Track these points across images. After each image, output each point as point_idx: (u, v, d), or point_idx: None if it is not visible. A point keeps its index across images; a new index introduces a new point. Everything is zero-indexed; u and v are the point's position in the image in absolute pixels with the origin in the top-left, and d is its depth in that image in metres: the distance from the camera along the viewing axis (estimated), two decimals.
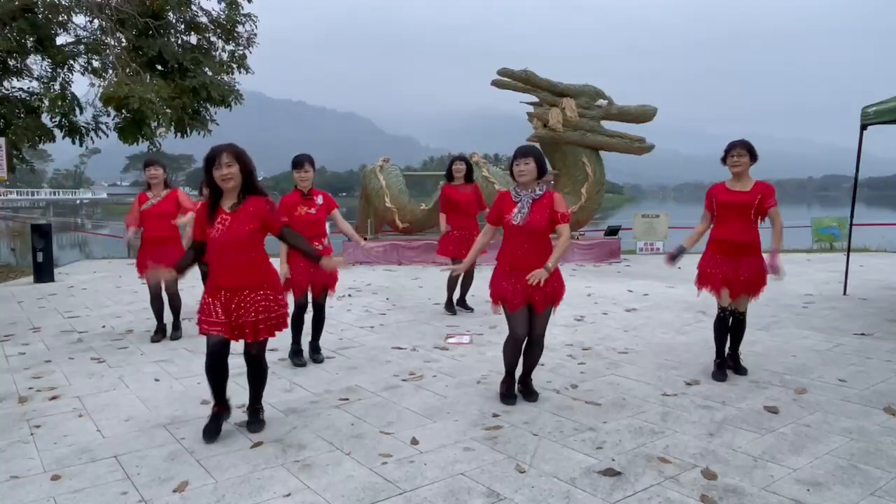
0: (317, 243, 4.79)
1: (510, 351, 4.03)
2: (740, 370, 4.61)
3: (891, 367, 4.76)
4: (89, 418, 3.85)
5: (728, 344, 4.61)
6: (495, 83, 12.26)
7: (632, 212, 16.57)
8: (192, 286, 8.07)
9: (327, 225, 5.15)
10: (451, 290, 6.93)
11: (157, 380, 4.63)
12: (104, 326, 6.48)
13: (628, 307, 7.19)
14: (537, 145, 3.97)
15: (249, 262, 3.37)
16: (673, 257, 4.61)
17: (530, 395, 4.11)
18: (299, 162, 4.89)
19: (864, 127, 7.49)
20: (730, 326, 4.54)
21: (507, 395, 4.08)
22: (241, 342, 3.53)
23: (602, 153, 12.30)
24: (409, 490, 2.89)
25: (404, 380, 4.58)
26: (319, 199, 4.94)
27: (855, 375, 4.55)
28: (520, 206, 3.85)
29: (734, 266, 4.34)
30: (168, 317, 5.97)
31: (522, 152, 3.91)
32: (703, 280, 4.52)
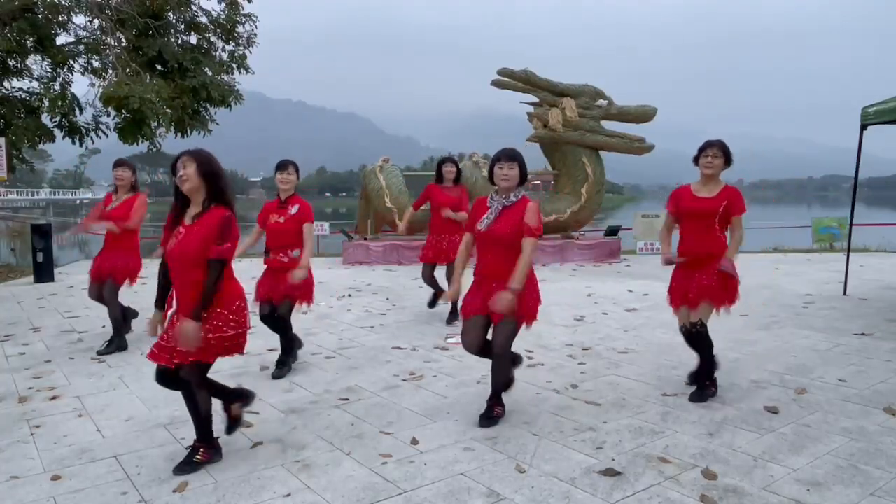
0: (282, 255, 4.65)
1: (465, 348, 3.77)
2: (702, 395, 4.04)
3: (891, 367, 4.76)
4: (89, 418, 3.85)
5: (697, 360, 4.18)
6: (495, 83, 12.27)
7: (632, 212, 16.57)
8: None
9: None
10: (435, 286, 6.67)
11: None
12: (104, 326, 6.46)
13: (628, 307, 7.19)
14: (518, 150, 3.80)
15: (198, 281, 2.99)
16: (669, 262, 4.24)
17: (487, 419, 3.67)
18: (283, 164, 4.68)
19: (864, 127, 7.49)
20: (690, 343, 4.15)
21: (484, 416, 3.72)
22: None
23: (602, 153, 12.30)
24: (409, 490, 2.89)
25: (404, 380, 4.58)
26: (293, 210, 4.64)
27: (855, 375, 4.55)
28: (489, 213, 3.62)
29: (697, 276, 3.98)
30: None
31: (509, 155, 3.62)
32: (669, 295, 4.23)
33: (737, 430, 3.54)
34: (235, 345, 3.13)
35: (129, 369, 4.91)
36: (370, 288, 8.76)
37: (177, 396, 4.21)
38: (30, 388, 4.45)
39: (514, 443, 3.40)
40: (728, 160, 4.05)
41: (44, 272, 9.74)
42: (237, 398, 3.37)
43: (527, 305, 3.61)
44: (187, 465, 3.11)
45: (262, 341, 5.54)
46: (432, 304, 6.79)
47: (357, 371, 4.82)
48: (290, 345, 4.83)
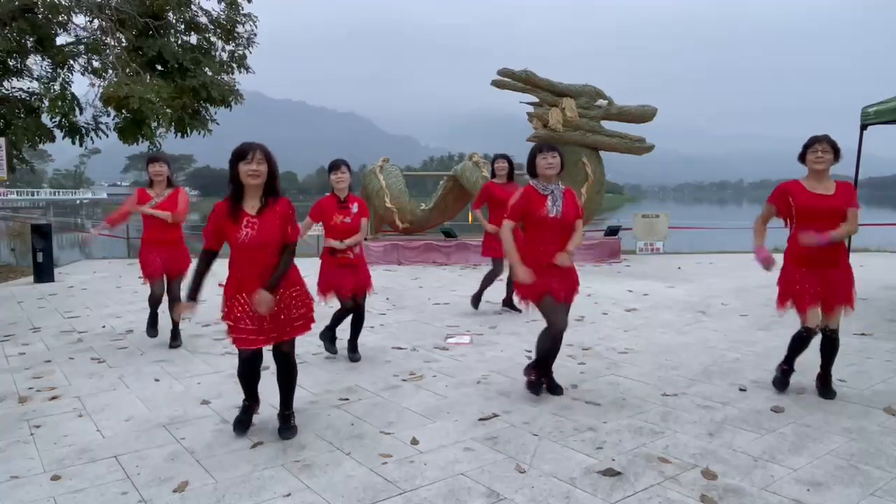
0: (350, 252, 5.00)
1: (552, 344, 4.01)
2: (829, 393, 4.06)
3: (891, 367, 4.76)
4: (89, 418, 3.85)
5: (820, 363, 4.15)
6: (495, 83, 12.26)
7: (632, 212, 16.59)
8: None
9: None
10: (484, 287, 6.97)
11: (157, 380, 4.63)
12: (104, 326, 6.47)
13: (628, 307, 7.19)
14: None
15: (276, 264, 3.36)
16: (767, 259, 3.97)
17: (556, 388, 4.16)
18: (336, 165, 4.94)
19: (864, 127, 7.50)
20: (821, 347, 4.08)
21: (535, 385, 4.13)
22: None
23: (602, 153, 12.31)
24: (409, 490, 2.89)
25: (404, 380, 4.58)
26: (355, 208, 4.99)
27: (855, 375, 4.55)
28: (552, 199, 3.88)
29: (823, 278, 3.87)
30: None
31: (548, 146, 3.95)
32: (788, 297, 3.98)
33: (737, 430, 3.54)
34: (312, 318, 3.56)
35: (129, 369, 4.91)
36: None
37: (177, 396, 4.24)
38: (30, 388, 4.45)
39: (514, 443, 3.40)
40: (837, 155, 3.89)
41: (44, 272, 9.73)
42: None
43: (577, 284, 4.06)
44: (289, 430, 3.53)
45: None
46: (509, 304, 6.91)
47: (357, 371, 4.82)
48: (360, 329, 5.28)
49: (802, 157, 3.94)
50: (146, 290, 5.71)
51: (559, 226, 3.88)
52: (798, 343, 4.08)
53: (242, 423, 3.57)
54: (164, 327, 5.77)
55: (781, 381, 4.21)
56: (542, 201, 3.88)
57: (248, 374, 3.49)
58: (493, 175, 6.89)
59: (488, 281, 6.89)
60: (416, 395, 4.24)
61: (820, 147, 3.84)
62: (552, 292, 3.88)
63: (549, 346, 4.03)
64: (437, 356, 5.22)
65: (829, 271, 3.89)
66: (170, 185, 5.66)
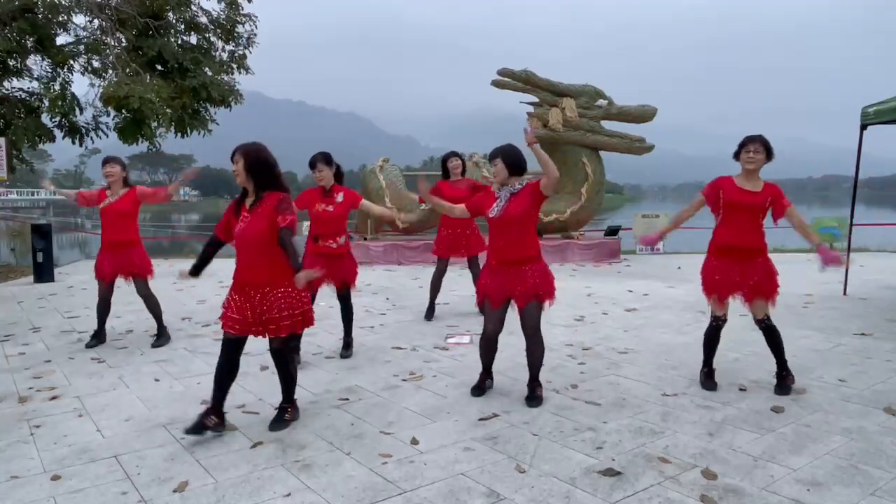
0: (331, 241, 4.99)
1: (483, 347, 4.16)
2: (783, 389, 4.15)
3: (891, 367, 4.76)
4: (89, 418, 3.85)
5: (775, 357, 4.27)
6: (495, 83, 12.26)
7: (632, 212, 16.59)
8: (192, 286, 8.05)
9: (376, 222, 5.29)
10: (434, 294, 6.80)
11: (157, 380, 4.63)
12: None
13: (628, 307, 7.19)
14: (510, 143, 3.97)
15: (269, 260, 3.44)
16: (652, 241, 4.45)
17: (532, 399, 3.98)
18: (312, 162, 4.99)
19: (864, 127, 7.50)
20: (765, 340, 4.25)
21: (475, 388, 4.21)
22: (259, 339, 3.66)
23: (602, 153, 12.31)
24: (409, 490, 2.89)
25: (404, 380, 4.58)
26: (340, 197, 4.97)
27: (855, 375, 4.55)
28: (498, 202, 3.94)
29: (741, 270, 4.09)
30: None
31: (491, 155, 4.00)
32: (710, 288, 4.21)
33: (737, 430, 3.54)
34: (307, 318, 3.61)
35: (129, 369, 4.91)
36: (370, 288, 8.76)
37: (177, 396, 4.23)
38: (30, 388, 4.45)
39: (514, 443, 3.40)
40: (769, 155, 4.06)
41: (44, 272, 9.73)
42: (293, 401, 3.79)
43: (546, 284, 3.92)
44: (279, 424, 3.61)
45: (261, 342, 5.54)
46: (429, 316, 6.76)
47: (357, 371, 4.82)
48: (351, 324, 5.33)
49: (737, 156, 4.13)
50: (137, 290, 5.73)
51: (498, 225, 3.90)
52: (708, 335, 4.34)
53: (193, 429, 3.45)
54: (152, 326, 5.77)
55: (706, 382, 4.32)
56: (492, 203, 3.97)
57: (224, 362, 3.53)
58: (448, 174, 6.70)
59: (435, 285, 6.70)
60: (416, 395, 4.24)
61: (752, 147, 4.03)
62: (487, 294, 3.97)
63: (481, 352, 4.18)
64: (437, 356, 5.22)
65: (746, 265, 4.10)
66: (126, 184, 5.58)
